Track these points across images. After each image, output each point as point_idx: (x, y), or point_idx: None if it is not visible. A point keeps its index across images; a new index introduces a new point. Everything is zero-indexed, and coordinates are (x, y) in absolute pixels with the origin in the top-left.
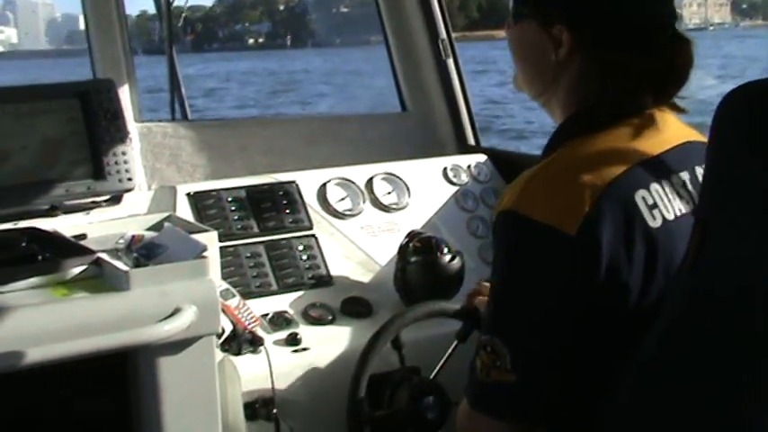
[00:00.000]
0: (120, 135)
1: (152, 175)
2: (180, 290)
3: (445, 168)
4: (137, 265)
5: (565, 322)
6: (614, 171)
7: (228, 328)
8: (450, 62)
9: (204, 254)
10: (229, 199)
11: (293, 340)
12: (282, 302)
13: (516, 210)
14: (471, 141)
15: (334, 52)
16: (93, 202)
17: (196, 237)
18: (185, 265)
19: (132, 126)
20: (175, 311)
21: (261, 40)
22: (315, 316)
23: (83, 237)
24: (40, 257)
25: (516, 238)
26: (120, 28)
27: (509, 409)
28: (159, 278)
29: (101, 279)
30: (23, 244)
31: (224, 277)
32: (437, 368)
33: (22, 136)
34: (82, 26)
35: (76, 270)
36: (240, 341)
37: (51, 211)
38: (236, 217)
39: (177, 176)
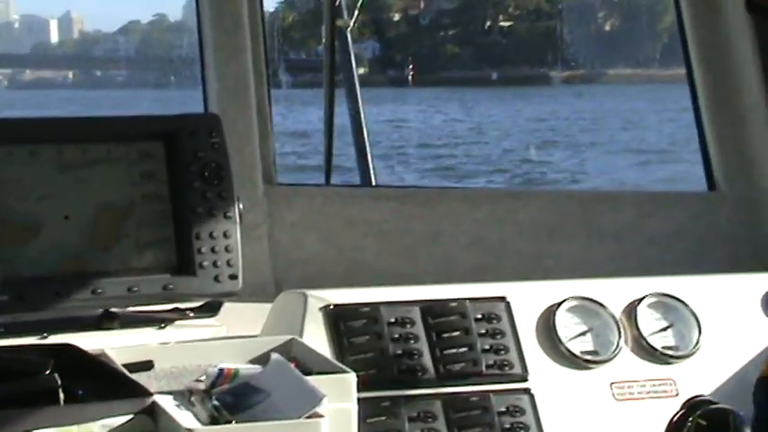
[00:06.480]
0: (224, 205)
1: (284, 271)
2: None
3: None
4: (214, 420)
5: None
6: None
7: None
8: None
9: (320, 410)
10: (392, 320)
11: None
12: None
13: None
14: None
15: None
16: (174, 311)
17: (317, 380)
18: (288, 427)
19: (258, 191)
20: None
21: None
22: None
23: (147, 366)
24: (64, 395)
25: None
26: (253, 35)
27: None
28: None
29: None
30: (46, 372)
31: None
32: None
33: (66, 198)
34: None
35: (116, 421)
36: None
37: (105, 322)
38: (399, 350)
39: (322, 277)
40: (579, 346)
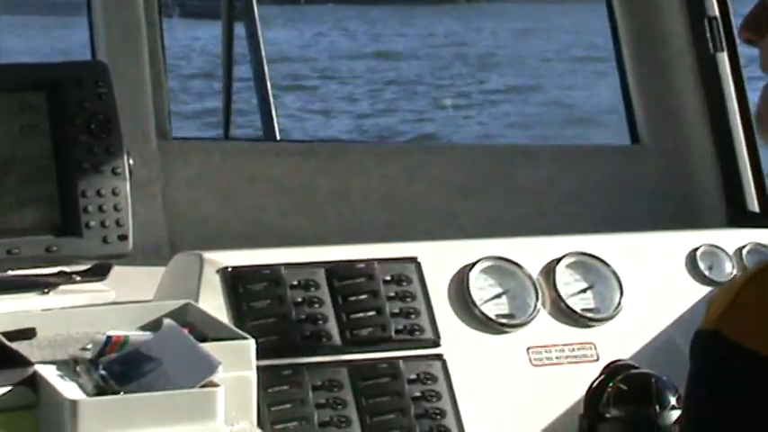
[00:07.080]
0: (112, 160)
1: (180, 231)
2: None
3: (694, 252)
4: (100, 390)
5: None
6: None
7: None
8: (724, 59)
9: (215, 379)
10: (295, 283)
11: None
12: None
13: (721, 331)
14: (754, 206)
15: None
16: (58, 275)
17: (213, 347)
18: (180, 397)
19: (150, 146)
20: None
21: None
22: None
23: (28, 333)
24: None
25: (719, 373)
26: None
27: None
28: (131, 417)
29: (34, 411)
30: None
31: (272, 421)
32: None
33: None
34: None
35: None
36: None
37: None
38: (303, 315)
39: (220, 238)
40: (494, 309)
